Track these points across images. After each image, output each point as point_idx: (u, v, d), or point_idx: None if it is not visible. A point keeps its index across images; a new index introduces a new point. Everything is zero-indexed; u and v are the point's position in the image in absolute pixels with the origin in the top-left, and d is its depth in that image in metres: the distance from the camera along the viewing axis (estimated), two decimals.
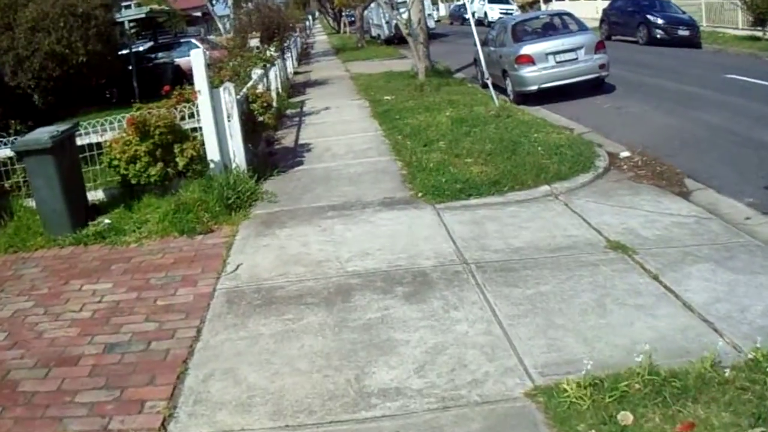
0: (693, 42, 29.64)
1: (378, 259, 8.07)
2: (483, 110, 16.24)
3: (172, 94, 11.90)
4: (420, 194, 10.29)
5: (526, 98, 18.59)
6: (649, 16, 31.48)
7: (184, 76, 17.74)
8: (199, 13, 62.13)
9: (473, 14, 64.31)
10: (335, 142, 14.87)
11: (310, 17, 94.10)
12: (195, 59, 11.06)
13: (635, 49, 29.62)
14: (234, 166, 11.47)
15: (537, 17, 21.36)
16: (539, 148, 12.14)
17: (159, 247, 9.31)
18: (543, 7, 66.79)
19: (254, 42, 21.82)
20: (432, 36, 35.56)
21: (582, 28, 19.62)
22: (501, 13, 52.26)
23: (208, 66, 17.69)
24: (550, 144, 12.46)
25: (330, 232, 9.14)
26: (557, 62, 18.29)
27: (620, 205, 9.50)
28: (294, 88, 26.11)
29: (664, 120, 15.23)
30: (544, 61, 18.26)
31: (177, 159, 10.92)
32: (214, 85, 11.64)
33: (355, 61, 35.85)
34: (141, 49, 33.63)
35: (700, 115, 15.22)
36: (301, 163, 13.18)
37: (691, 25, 30.63)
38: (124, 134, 10.73)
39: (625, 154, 12.33)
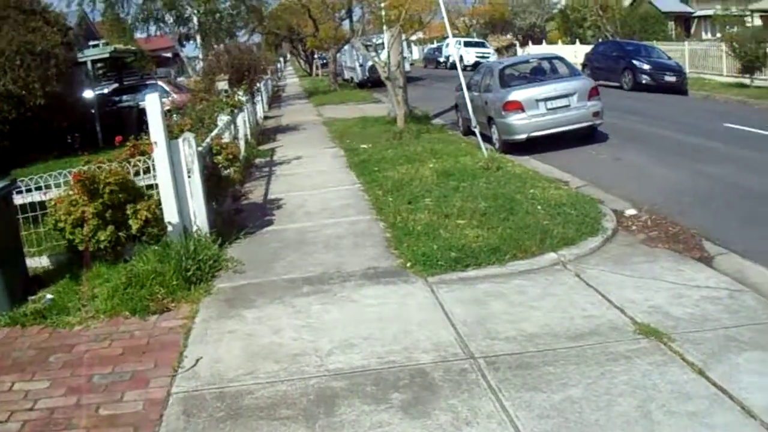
0: (679, 88, 29.10)
1: (365, 352, 6.68)
2: (470, 161, 14.98)
3: (127, 143, 10.49)
4: (409, 264, 8.95)
5: (513, 147, 17.40)
6: (634, 62, 30.89)
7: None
8: (170, 54, 60.99)
9: (448, 58, 64.01)
10: (309, 196, 13.53)
11: (281, 59, 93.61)
12: (150, 106, 9.72)
13: (621, 95, 28.73)
14: (195, 228, 10.14)
15: (526, 61, 20.10)
16: (539, 207, 10.90)
17: (107, 330, 7.89)
18: (519, 51, 66.48)
19: (222, 85, 20.44)
20: (407, 80, 34.48)
21: (574, 72, 18.56)
22: (477, 57, 51.72)
23: (174, 111, 16.40)
24: (550, 202, 11.24)
25: (306, 314, 7.75)
26: (548, 109, 17.13)
27: (639, 276, 8.26)
28: (264, 134, 24.86)
29: (668, 173, 14.05)
30: (535, 108, 17.08)
31: (130, 221, 9.55)
32: (173, 135, 10.28)
33: (328, 105, 34.73)
34: (105, 91, 32.29)
35: (705, 168, 14.06)
36: (271, 222, 11.82)
37: (678, 71, 30.18)
38: (71, 192, 9.40)
39: (630, 212, 11.21)
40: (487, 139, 17.50)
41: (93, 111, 27.00)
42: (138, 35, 45.80)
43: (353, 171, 15.76)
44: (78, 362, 7.17)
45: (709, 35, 58.32)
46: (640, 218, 10.85)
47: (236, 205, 13.28)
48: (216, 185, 11.26)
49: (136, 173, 10.09)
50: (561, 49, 51.81)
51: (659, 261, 8.79)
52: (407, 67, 29.64)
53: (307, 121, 28.65)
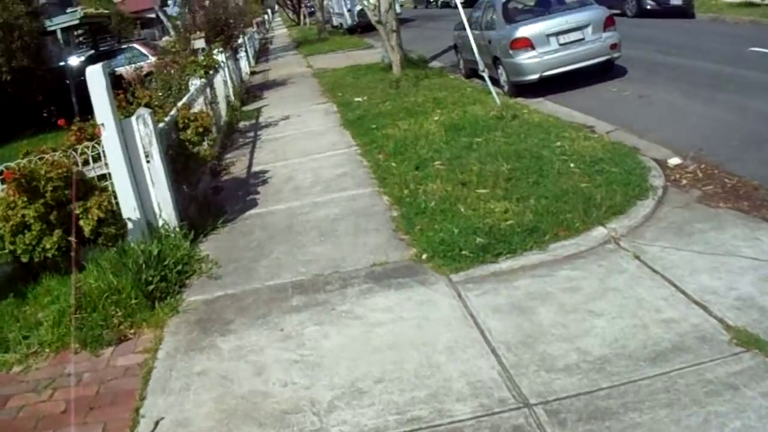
0: (686, 12, 27.08)
1: (379, 404, 4.93)
2: (480, 111, 13.09)
3: (72, 127, 8.66)
4: (425, 256, 7.15)
5: (524, 89, 15.48)
6: None
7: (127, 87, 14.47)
8: (153, 15, 58.51)
9: None
10: (298, 166, 11.68)
11: (269, 11, 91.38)
12: (92, 80, 7.89)
13: (627, 23, 26.39)
14: (161, 223, 8.40)
15: None
16: (572, 165, 9.08)
17: (51, 373, 6.21)
18: None
19: (199, 43, 18.45)
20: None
21: (584, 1, 16.38)
22: None
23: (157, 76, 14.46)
24: (584, 156, 9.42)
25: (297, 340, 5.98)
26: (560, 45, 15.11)
27: (711, 252, 6.48)
28: (249, 93, 22.94)
29: (704, 110, 12.09)
30: (545, 45, 15.07)
31: (81, 222, 7.78)
32: (128, 113, 8.48)
33: (317, 55, 32.74)
34: (79, 60, 30.29)
35: (746, 102, 12.05)
36: (254, 203, 10.01)
37: None
38: (8, 194, 7.70)
39: (674, 161, 9.41)
40: (493, 82, 15.51)
41: (68, 81, 25.01)
42: None
43: (348, 130, 13.86)
44: (8, 428, 5.47)
45: None
46: (688, 168, 9.06)
47: (215, 182, 11.48)
48: (185, 166, 9.43)
49: (85, 162, 8.30)
50: None
51: (727, 227, 7.03)
52: (398, 8, 27.56)
53: (296, 73, 26.66)
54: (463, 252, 6.95)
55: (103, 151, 8.16)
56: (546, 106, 14.04)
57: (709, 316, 5.36)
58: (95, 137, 8.30)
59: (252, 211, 9.66)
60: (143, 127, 8.19)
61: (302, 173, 11.17)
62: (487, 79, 13.76)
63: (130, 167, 8.13)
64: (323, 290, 6.81)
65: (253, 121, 16.99)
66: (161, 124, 8.90)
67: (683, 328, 5.25)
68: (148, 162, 8.30)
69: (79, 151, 8.32)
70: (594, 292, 6.01)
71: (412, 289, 6.53)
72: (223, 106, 16.65)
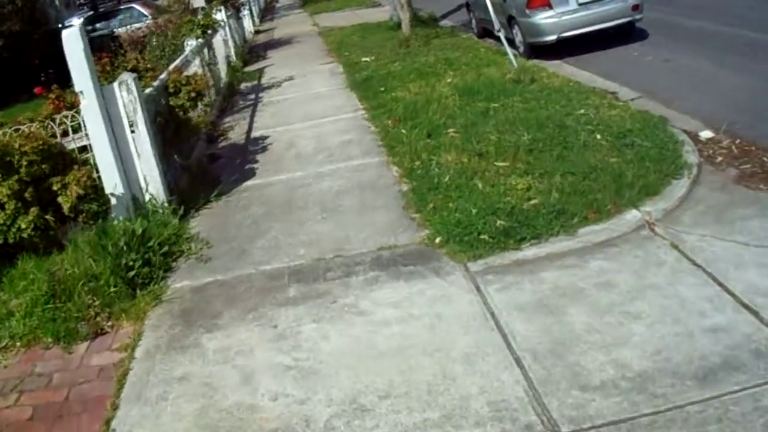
0: None
1: (385, 426, 4.21)
2: (496, 73, 12.26)
3: (49, 95, 7.89)
4: (438, 239, 6.39)
5: (541, 50, 14.58)
6: None
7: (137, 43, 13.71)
8: None
9: None
10: (301, 132, 10.90)
11: None
12: (68, 44, 7.14)
13: None
14: (148, 198, 7.68)
15: None
16: (598, 137, 8.30)
17: (18, 373, 5.58)
18: None
19: (199, 2, 17.57)
20: None
21: None
22: None
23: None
24: (611, 127, 8.63)
25: (293, 340, 5.26)
26: (580, 4, 14.16)
27: (756, 243, 5.72)
28: (253, 52, 22.13)
29: (733, 78, 11.10)
30: (564, 4, 14.14)
31: (59, 199, 7.06)
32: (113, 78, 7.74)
33: (324, 13, 31.76)
34: (78, 21, 29.45)
35: None
36: (252, 173, 9.26)
37: None
38: None
39: (706, 134, 8.59)
40: (509, 42, 14.59)
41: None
42: None
43: (355, 92, 13.04)
44: None
45: None
46: (721, 143, 8.25)
47: (212, 149, 10.72)
48: (176, 134, 8.68)
49: (64, 134, 7.57)
50: None
51: None
52: None
53: (302, 32, 25.71)
54: (482, 236, 6.19)
55: (84, 121, 7.41)
56: (565, 69, 13.19)
57: (762, 324, 4.63)
58: (75, 106, 7.55)
59: (249, 182, 8.93)
60: (126, 94, 7.47)
61: (305, 140, 10.40)
62: (503, 39, 12.92)
63: (113, 138, 7.46)
64: (323, 278, 6.07)
65: (255, 83, 16.18)
66: (149, 90, 8.17)
67: (734, 339, 4.51)
68: (132, 132, 7.56)
69: (58, 121, 7.57)
70: (630, 290, 5.26)
71: (424, 280, 5.78)
72: (223, 67, 15.86)
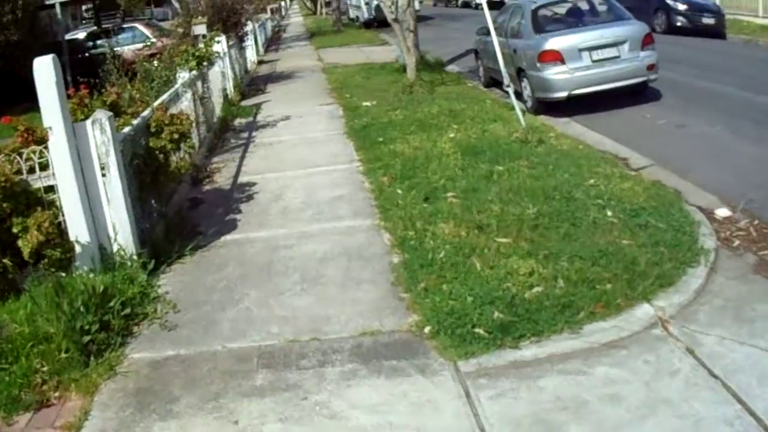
0: (718, 32, 25.89)
1: None
2: (502, 130, 11.64)
3: (18, 127, 7.23)
4: (428, 329, 5.70)
5: (549, 106, 14.05)
6: (668, 1, 27.30)
7: (130, 66, 13.01)
8: None
9: None
10: (291, 181, 10.24)
11: None
12: (39, 73, 6.55)
13: (656, 40, 25.14)
14: (116, 248, 6.98)
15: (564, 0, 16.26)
16: (609, 213, 7.67)
17: None
18: None
19: (200, 29, 16.99)
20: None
21: (622, 15, 14.92)
22: None
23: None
24: (622, 202, 8.01)
25: None
26: (594, 61, 13.62)
27: None
28: (253, 84, 21.60)
29: (752, 149, 10.55)
30: (577, 60, 13.58)
31: (20, 242, 6.41)
32: (87, 113, 7.13)
33: (330, 48, 31.34)
34: (80, 36, 29.04)
35: None
36: (234, 225, 8.60)
37: (716, 12, 26.89)
38: None
39: (722, 212, 8.08)
40: (516, 95, 13.99)
41: (63, 58, 23.72)
42: None
43: (352, 140, 12.40)
44: None
45: None
46: (739, 224, 7.72)
47: (195, 192, 10.06)
48: (153, 178, 8.02)
49: (31, 170, 6.89)
50: None
51: None
52: (417, 5, 26.11)
53: (306, 66, 25.15)
54: (477, 330, 5.51)
55: (51, 160, 6.77)
56: (573, 128, 12.64)
57: None
58: (45, 141, 6.90)
59: (229, 237, 8.26)
60: (99, 134, 6.84)
61: (294, 191, 9.74)
62: (512, 95, 12.29)
63: (81, 180, 6.83)
64: (296, 366, 5.38)
65: (251, 119, 15.53)
66: (127, 129, 7.52)
67: None
68: (104, 176, 6.91)
69: (25, 156, 6.92)
70: (640, 405, 4.60)
71: (408, 379, 5.09)
72: (218, 101, 15.24)
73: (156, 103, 8.80)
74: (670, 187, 8.80)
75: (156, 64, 12.60)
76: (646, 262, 6.45)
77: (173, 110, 9.53)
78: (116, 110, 7.73)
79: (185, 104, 10.97)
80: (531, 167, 9.45)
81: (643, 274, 6.25)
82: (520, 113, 11.85)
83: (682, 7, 26.67)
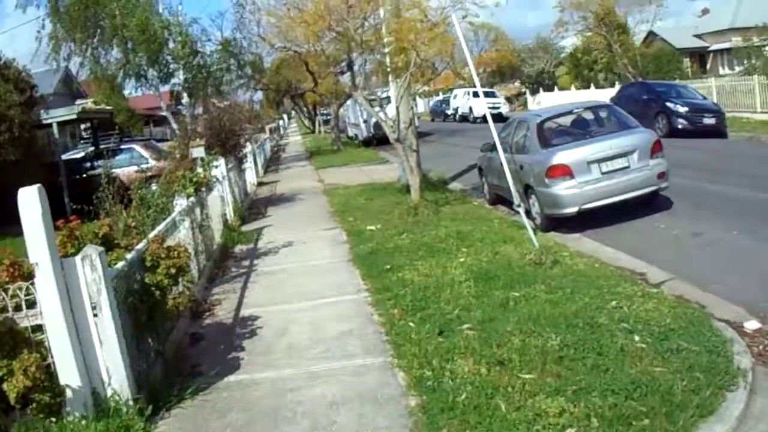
0: (719, 130, 26.24)
1: None
2: (513, 252, 11.21)
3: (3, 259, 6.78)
4: None
5: (558, 221, 13.70)
6: (668, 104, 27.66)
7: (125, 191, 12.55)
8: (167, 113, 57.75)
9: (456, 110, 60.74)
10: (296, 314, 9.70)
11: (285, 116, 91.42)
12: (24, 205, 6.18)
13: None
14: (110, 392, 6.54)
15: (568, 111, 15.57)
16: (636, 338, 7.20)
17: None
18: (529, 99, 63.11)
19: (197, 152, 16.70)
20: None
21: (629, 124, 14.70)
22: (489, 108, 48.24)
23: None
24: (650, 325, 7.54)
25: None
26: (603, 173, 13.29)
27: None
28: (253, 208, 21.33)
29: None
30: (586, 173, 13.24)
31: (5, 386, 5.97)
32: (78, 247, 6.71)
33: (330, 168, 31.25)
34: (78, 156, 28.94)
35: None
36: (237, 365, 8.06)
37: (717, 111, 27.45)
38: None
39: (752, 325, 7.72)
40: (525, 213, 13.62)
41: (60, 179, 23.61)
42: (132, 94, 42.06)
43: (358, 268, 11.91)
44: None
45: (727, 69, 55.43)
46: None
47: (196, 327, 9.56)
48: (150, 316, 7.52)
49: (17, 308, 6.41)
50: (574, 95, 48.53)
51: None
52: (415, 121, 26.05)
53: (306, 188, 24.92)
54: None
55: (38, 298, 6.33)
56: (585, 244, 12.25)
57: None
58: (32, 276, 6.45)
59: (232, 378, 7.71)
60: (90, 271, 6.43)
61: (299, 325, 9.20)
62: (522, 215, 11.85)
63: (71, 320, 6.42)
64: None
65: (252, 246, 15.08)
66: (120, 264, 7.07)
67: None
68: (96, 316, 6.44)
69: (11, 292, 6.45)
70: None
71: None
72: (217, 227, 14.82)
73: (152, 234, 8.37)
74: (694, 302, 8.45)
75: (153, 189, 12.17)
76: (682, 391, 6.01)
77: (170, 241, 9.12)
78: (109, 243, 7.29)
79: (183, 233, 10.55)
80: (549, 292, 8.97)
81: (681, 404, 5.80)
82: (532, 234, 11.41)
83: (682, 109, 26.92)
